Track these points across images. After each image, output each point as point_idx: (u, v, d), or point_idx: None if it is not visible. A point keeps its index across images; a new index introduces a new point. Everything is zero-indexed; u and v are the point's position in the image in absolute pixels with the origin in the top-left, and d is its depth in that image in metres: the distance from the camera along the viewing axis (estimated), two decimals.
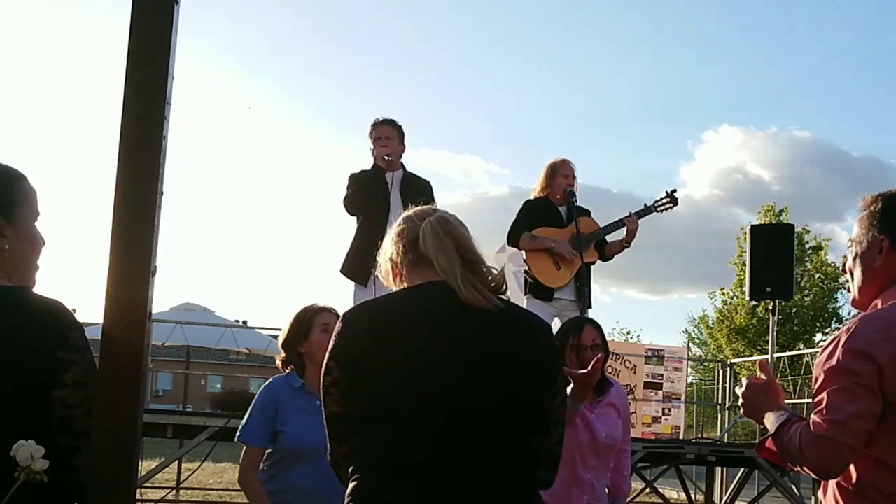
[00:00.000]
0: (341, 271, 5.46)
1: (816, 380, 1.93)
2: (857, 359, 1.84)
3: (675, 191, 5.99)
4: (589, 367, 2.84)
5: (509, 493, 1.64)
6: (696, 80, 49.76)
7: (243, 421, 3.20)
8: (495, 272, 1.80)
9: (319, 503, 2.89)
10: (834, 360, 1.88)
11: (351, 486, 1.68)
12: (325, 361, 1.75)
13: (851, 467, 1.89)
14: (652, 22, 48.86)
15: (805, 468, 1.90)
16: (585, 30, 52.40)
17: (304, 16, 62.74)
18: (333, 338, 1.74)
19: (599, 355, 3.05)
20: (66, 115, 64.62)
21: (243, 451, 3.17)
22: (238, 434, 3.18)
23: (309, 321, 3.31)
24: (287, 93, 63.91)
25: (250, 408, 3.23)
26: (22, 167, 1.92)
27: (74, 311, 1.90)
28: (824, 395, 1.87)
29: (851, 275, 2.14)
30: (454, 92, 58.72)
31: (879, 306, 2.02)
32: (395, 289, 1.86)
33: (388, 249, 1.89)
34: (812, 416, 1.91)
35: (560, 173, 5.85)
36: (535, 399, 1.71)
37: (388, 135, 5.39)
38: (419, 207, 1.93)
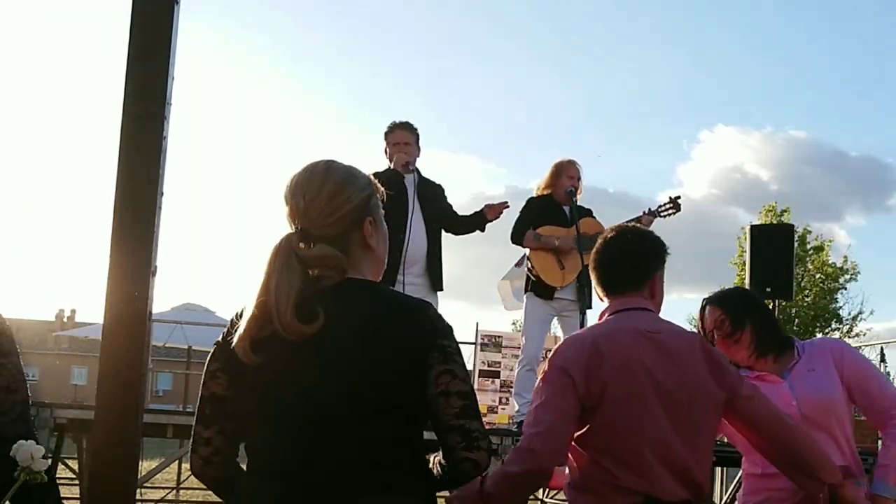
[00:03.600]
0: None
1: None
2: (556, 373, 2.20)
3: (678, 197, 5.91)
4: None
5: (373, 491, 1.59)
6: (690, 80, 49.72)
7: None
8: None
9: None
10: (539, 378, 2.26)
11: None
12: (214, 343, 1.71)
13: (575, 466, 2.23)
14: (649, 22, 48.84)
15: (517, 479, 2.14)
16: (582, 30, 52.43)
17: (304, 15, 62.78)
18: (230, 324, 1.69)
19: (717, 336, 2.79)
20: (66, 116, 64.59)
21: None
22: None
23: None
24: (288, 92, 63.90)
25: None
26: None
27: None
28: (532, 409, 2.19)
29: None
30: (452, 91, 58.75)
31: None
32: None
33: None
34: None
35: (566, 174, 5.84)
36: (400, 384, 1.64)
37: (406, 140, 5.40)
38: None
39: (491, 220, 5.54)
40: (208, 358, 1.72)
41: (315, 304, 1.63)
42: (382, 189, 1.84)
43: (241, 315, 1.67)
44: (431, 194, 5.53)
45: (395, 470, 1.63)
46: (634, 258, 2.36)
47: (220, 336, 1.71)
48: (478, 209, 5.59)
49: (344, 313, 1.65)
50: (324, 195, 1.70)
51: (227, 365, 1.67)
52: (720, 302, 2.86)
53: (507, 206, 5.56)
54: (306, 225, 1.69)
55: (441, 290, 5.48)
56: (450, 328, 1.72)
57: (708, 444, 2.26)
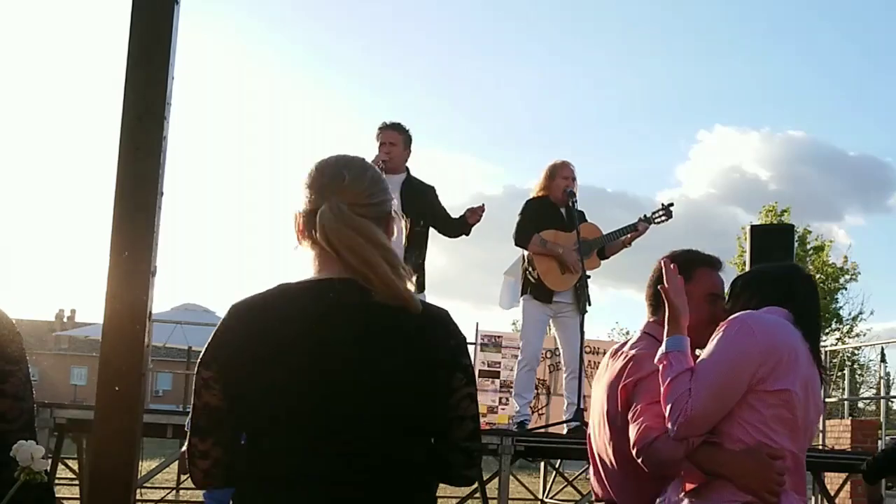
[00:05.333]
0: None
1: None
2: None
3: (671, 204, 6.06)
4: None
5: (389, 499, 1.58)
6: (687, 80, 49.78)
7: None
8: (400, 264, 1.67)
9: None
10: None
11: (235, 495, 1.65)
12: (203, 353, 1.65)
13: None
14: (647, 22, 48.83)
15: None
16: (579, 31, 52.43)
17: (303, 15, 62.78)
18: (217, 330, 1.64)
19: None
20: (66, 115, 64.58)
21: None
22: None
23: None
24: (288, 92, 63.86)
25: None
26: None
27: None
28: None
29: None
30: (449, 91, 58.72)
31: None
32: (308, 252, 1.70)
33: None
34: None
35: (560, 175, 5.86)
36: (420, 401, 1.61)
37: (392, 140, 5.49)
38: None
39: (472, 224, 5.63)
40: (198, 366, 1.65)
41: (302, 295, 1.60)
42: None
43: (235, 317, 1.62)
44: (418, 195, 5.55)
45: (419, 487, 1.63)
46: None
47: (210, 342, 1.64)
48: (461, 215, 5.69)
49: (358, 314, 1.61)
50: (367, 177, 1.69)
51: (221, 373, 1.61)
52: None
53: (484, 210, 5.65)
54: (348, 200, 1.63)
55: (422, 291, 5.50)
56: (465, 339, 1.73)
57: None
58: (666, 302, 2.37)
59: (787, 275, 2.48)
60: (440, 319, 1.68)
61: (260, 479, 1.59)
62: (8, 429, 1.77)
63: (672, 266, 2.43)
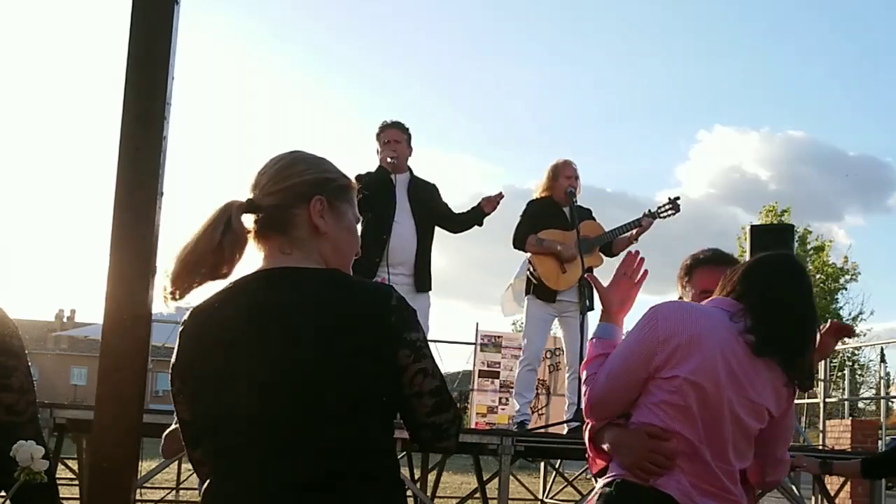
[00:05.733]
0: None
1: None
2: None
3: (677, 198, 5.94)
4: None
5: (332, 486, 1.53)
6: (687, 80, 49.76)
7: None
8: None
9: None
10: None
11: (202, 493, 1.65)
12: (169, 367, 1.65)
13: None
14: (646, 22, 48.81)
15: None
16: (578, 31, 52.40)
17: (303, 15, 62.75)
18: (176, 342, 1.63)
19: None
20: (66, 115, 64.55)
21: None
22: None
23: None
24: (288, 92, 63.85)
25: None
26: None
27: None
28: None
29: None
30: (449, 91, 58.70)
31: None
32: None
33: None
34: None
35: (563, 174, 5.84)
36: (366, 384, 1.57)
37: (396, 138, 5.42)
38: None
39: (488, 213, 5.52)
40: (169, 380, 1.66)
41: (240, 292, 1.59)
42: (357, 186, 1.79)
43: (182, 329, 1.61)
44: (424, 194, 5.53)
45: (370, 480, 1.57)
46: None
47: (174, 355, 1.63)
48: (474, 205, 5.59)
49: (291, 301, 1.57)
50: (276, 167, 1.69)
51: (181, 385, 1.61)
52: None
53: (503, 197, 5.53)
54: (255, 194, 1.67)
55: (429, 290, 5.48)
56: (414, 313, 1.64)
57: None
58: (596, 290, 2.50)
59: (752, 268, 2.42)
60: (378, 297, 1.62)
61: (214, 476, 1.58)
62: (17, 421, 1.83)
63: (637, 259, 2.50)
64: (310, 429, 1.52)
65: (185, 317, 1.62)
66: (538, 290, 5.77)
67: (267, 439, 1.52)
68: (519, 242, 5.82)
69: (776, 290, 2.28)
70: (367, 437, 1.56)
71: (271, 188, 1.67)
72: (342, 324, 1.56)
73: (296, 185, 1.67)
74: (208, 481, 1.60)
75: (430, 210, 5.50)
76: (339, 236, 1.69)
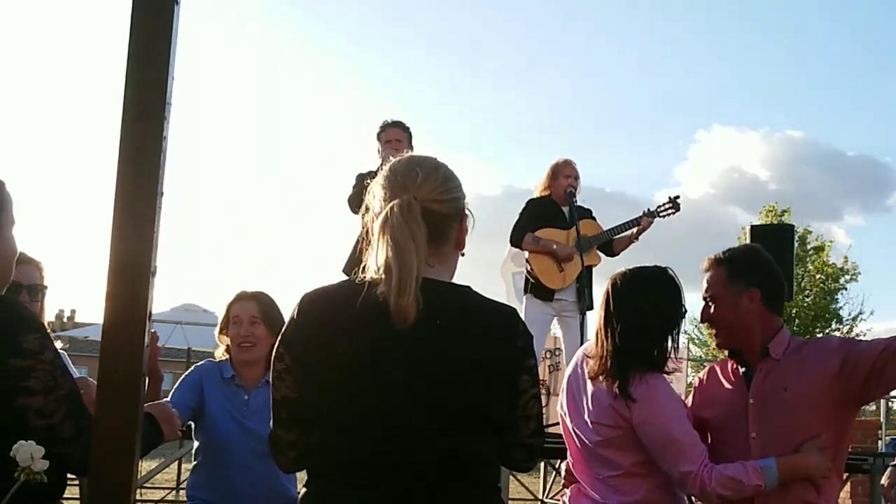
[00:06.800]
0: (343, 270, 5.48)
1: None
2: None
3: (677, 197, 5.98)
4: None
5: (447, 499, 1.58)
6: (686, 80, 49.70)
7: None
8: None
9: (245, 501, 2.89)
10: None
11: (302, 492, 1.66)
12: (276, 344, 1.68)
13: None
14: (645, 22, 48.85)
15: None
16: (577, 31, 52.38)
17: (303, 15, 62.84)
18: (287, 321, 1.66)
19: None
20: (66, 115, 64.59)
21: None
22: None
23: (227, 311, 3.25)
24: (288, 92, 63.89)
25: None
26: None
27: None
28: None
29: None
30: (449, 91, 58.73)
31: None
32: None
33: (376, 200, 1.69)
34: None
35: (562, 174, 5.86)
36: (481, 401, 1.61)
37: (398, 138, 5.45)
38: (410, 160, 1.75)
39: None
40: (273, 357, 1.68)
41: (374, 293, 1.59)
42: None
43: (301, 310, 1.64)
44: None
45: (476, 485, 1.63)
46: None
47: (282, 333, 1.66)
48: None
49: (430, 313, 1.57)
50: (440, 174, 1.70)
51: (293, 363, 1.63)
52: None
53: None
54: (419, 196, 1.63)
55: None
56: (532, 338, 1.71)
57: None
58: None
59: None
60: (508, 320, 1.68)
61: (323, 476, 1.61)
62: (50, 423, 1.75)
63: None
64: (431, 438, 1.57)
65: (302, 298, 1.65)
66: (535, 289, 5.78)
67: (391, 440, 1.56)
68: (516, 240, 5.85)
69: (659, 302, 2.71)
70: (479, 451, 1.63)
71: (439, 196, 1.67)
72: (476, 343, 1.61)
73: (458, 200, 1.72)
74: (313, 484, 1.62)
75: None
76: (458, 256, 1.76)
